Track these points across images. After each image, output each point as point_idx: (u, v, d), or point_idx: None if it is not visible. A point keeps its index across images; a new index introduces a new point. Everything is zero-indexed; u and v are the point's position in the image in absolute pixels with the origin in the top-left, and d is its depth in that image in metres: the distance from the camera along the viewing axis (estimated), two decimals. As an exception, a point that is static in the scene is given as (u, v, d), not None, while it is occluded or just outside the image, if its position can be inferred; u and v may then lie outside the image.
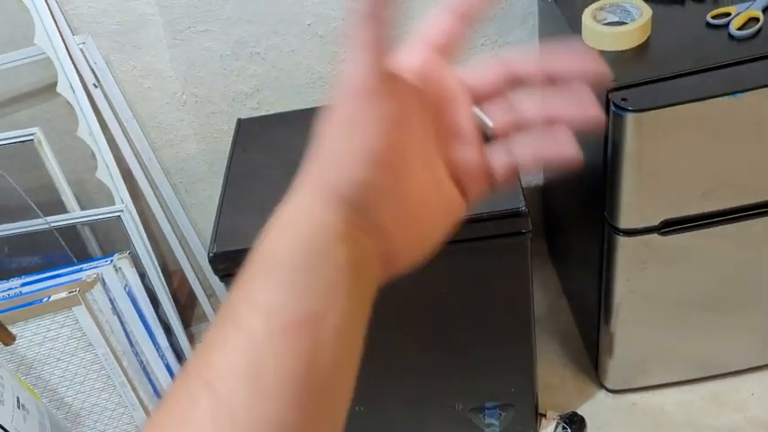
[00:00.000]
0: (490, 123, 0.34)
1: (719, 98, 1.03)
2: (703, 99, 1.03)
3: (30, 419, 1.13)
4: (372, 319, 1.28)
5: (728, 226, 1.23)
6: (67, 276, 1.53)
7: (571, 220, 1.62)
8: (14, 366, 1.52)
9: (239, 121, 1.40)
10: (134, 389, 1.63)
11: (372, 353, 1.37)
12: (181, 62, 1.53)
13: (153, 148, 1.66)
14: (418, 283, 1.18)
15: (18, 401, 1.13)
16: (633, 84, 1.08)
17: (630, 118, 1.06)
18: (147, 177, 1.66)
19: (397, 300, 1.21)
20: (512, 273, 1.16)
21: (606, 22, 1.18)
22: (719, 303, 1.42)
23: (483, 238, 1.09)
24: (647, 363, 1.56)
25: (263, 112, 1.63)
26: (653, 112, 1.05)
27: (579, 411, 1.60)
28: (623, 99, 1.06)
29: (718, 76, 1.07)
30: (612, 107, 1.07)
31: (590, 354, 1.69)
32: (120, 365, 1.59)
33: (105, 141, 1.48)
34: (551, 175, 1.76)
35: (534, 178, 1.88)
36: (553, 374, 1.71)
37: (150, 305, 1.64)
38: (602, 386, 1.65)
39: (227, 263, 1.12)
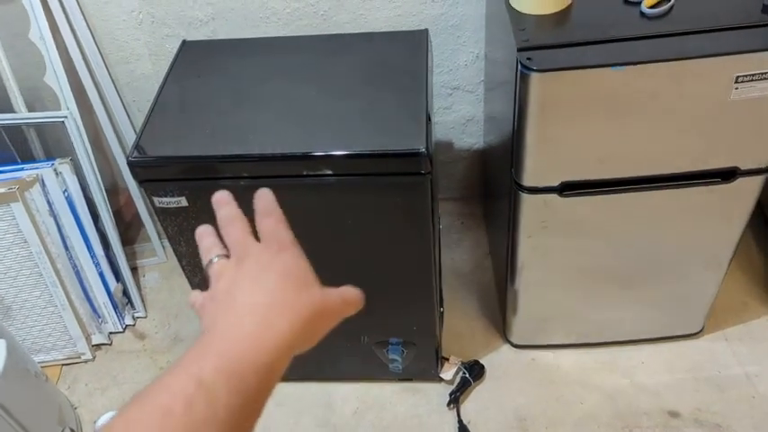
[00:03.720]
0: None
1: (608, 68, 1.10)
2: (599, 66, 1.10)
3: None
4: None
5: (624, 195, 1.31)
6: (9, 174, 1.60)
7: (495, 180, 1.70)
8: (-51, 253, 1.59)
9: (184, 42, 1.45)
10: (65, 290, 1.71)
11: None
12: (139, -19, 1.58)
13: (107, 64, 1.72)
14: (327, 213, 1.26)
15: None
16: (542, 46, 1.15)
17: (534, 77, 1.12)
18: (98, 92, 1.72)
19: (307, 227, 1.29)
20: (412, 211, 1.23)
21: (533, -13, 1.24)
22: (617, 275, 1.51)
23: (385, 174, 1.17)
24: (548, 322, 1.66)
25: (215, 41, 1.68)
26: (554, 73, 1.12)
27: (482, 361, 1.70)
28: (528, 58, 1.13)
29: (621, 48, 1.13)
30: (519, 65, 1.14)
31: (501, 310, 1.79)
32: (53, 266, 1.67)
33: (55, 47, 1.53)
34: (489, 140, 1.83)
35: (476, 142, 1.95)
36: (465, 326, 1.81)
37: (89, 214, 1.71)
38: (507, 340, 1.75)
39: (146, 169, 1.19)
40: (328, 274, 1.39)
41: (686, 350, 1.69)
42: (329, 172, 1.17)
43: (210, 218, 1.31)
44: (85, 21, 1.62)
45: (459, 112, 1.86)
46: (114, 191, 2.04)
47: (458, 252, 1.99)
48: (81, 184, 1.69)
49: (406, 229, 1.28)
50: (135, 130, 1.86)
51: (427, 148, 1.13)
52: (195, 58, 1.41)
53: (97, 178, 1.72)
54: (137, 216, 2.04)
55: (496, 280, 1.88)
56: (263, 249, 0.51)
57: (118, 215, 1.98)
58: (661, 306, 1.60)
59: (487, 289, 1.88)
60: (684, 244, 1.44)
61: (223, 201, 0.56)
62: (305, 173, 1.18)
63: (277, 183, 1.20)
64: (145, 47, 1.71)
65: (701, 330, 1.69)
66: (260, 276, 0.49)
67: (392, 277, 1.39)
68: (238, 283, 0.49)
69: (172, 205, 1.24)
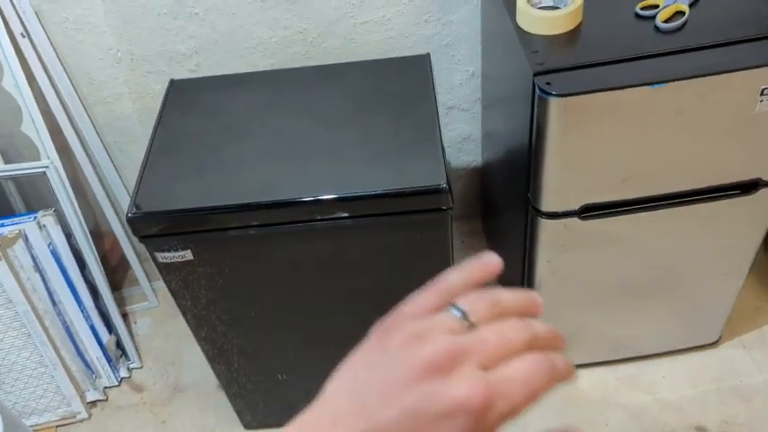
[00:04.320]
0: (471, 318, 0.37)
1: (641, 87, 1.05)
2: (625, 87, 1.06)
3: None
4: (297, 286, 1.28)
5: (645, 214, 1.27)
6: (-12, 231, 1.49)
7: (501, 200, 1.64)
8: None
9: (172, 82, 1.37)
10: (56, 348, 1.61)
11: (294, 322, 1.37)
12: (115, 17, 1.48)
13: (85, 106, 1.62)
14: (342, 256, 1.19)
15: None
16: (559, 69, 1.10)
17: (554, 102, 1.07)
18: (77, 134, 1.62)
19: (322, 270, 1.22)
20: (432, 249, 1.17)
21: (540, 6, 1.19)
22: (636, 289, 1.47)
23: (404, 213, 1.10)
24: (567, 343, 1.61)
25: (201, 75, 1.60)
26: (576, 97, 1.07)
27: (500, 388, 1.64)
28: (547, 83, 1.07)
29: (641, 66, 1.09)
30: (537, 90, 1.08)
31: (514, 333, 1.74)
32: (42, 324, 1.56)
33: (31, 94, 1.43)
34: (489, 158, 1.78)
35: (474, 159, 1.90)
36: (478, 351, 1.75)
37: (76, 265, 1.61)
38: (523, 364, 1.70)
39: (147, 224, 1.11)
40: (350, 314, 1.32)
41: (706, 360, 1.65)
42: (344, 215, 1.10)
43: (216, 269, 1.23)
44: (60, 62, 1.52)
45: (456, 132, 1.81)
46: (98, 234, 1.94)
47: (462, 274, 1.93)
48: (65, 234, 1.59)
49: (425, 266, 1.22)
50: (118, 172, 1.77)
51: (448, 183, 1.07)
52: (186, 99, 1.33)
53: (83, 227, 1.62)
54: (123, 259, 1.94)
55: (505, 301, 1.83)
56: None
57: (103, 260, 1.88)
58: (680, 317, 1.57)
59: (497, 311, 1.83)
60: (704, 256, 1.40)
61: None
62: (318, 217, 1.11)
63: (288, 229, 1.12)
64: (124, 85, 1.62)
65: (718, 339, 1.66)
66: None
67: (410, 315, 1.32)
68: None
69: (176, 260, 1.16)
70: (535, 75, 1.09)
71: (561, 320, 1.53)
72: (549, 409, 1.61)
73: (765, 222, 1.33)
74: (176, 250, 1.14)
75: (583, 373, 1.66)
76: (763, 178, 1.23)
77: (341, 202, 1.08)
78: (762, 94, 1.07)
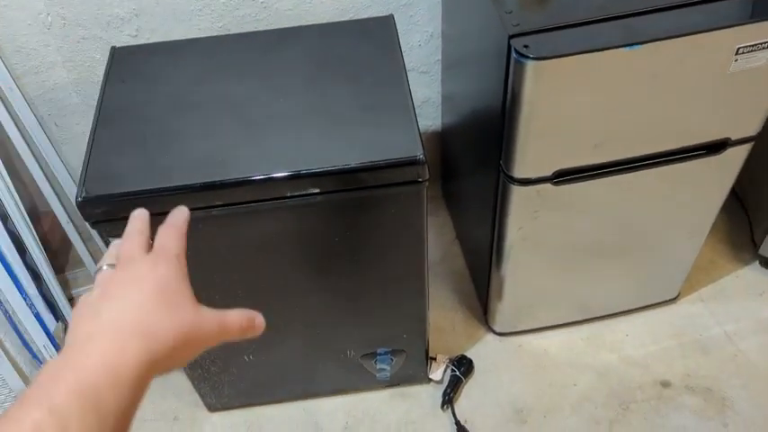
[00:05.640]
0: None
1: (619, 49, 1.02)
2: (604, 49, 1.02)
3: None
4: (263, 266, 1.20)
5: (617, 177, 1.25)
6: None
7: (467, 166, 1.61)
8: None
9: (113, 50, 1.25)
10: (-2, 341, 1.49)
11: (261, 301, 1.29)
12: (44, -23, 1.34)
13: (14, 76, 1.48)
14: (310, 231, 1.13)
15: None
16: (535, 30, 1.05)
17: (530, 66, 1.03)
18: (7, 108, 1.48)
19: (289, 248, 1.16)
20: (407, 221, 1.13)
21: (510, -37, 1.13)
22: (603, 250, 1.47)
23: (378, 186, 1.05)
24: (534, 306, 1.61)
25: (142, 41, 1.48)
26: (553, 60, 1.02)
27: (468, 354, 1.64)
28: (525, 46, 1.03)
29: (618, 27, 1.06)
30: (514, 54, 1.04)
31: (480, 298, 1.73)
32: (-19, 316, 1.44)
33: (-48, 65, 1.29)
34: (450, 121, 1.74)
35: (433, 123, 1.85)
36: (444, 318, 1.73)
37: (15, 251, 1.49)
38: (490, 329, 1.69)
39: (99, 208, 1.01)
40: (319, 292, 1.27)
41: (667, 316, 1.69)
42: (316, 190, 1.04)
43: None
44: (-18, 29, 1.38)
45: (415, 95, 1.75)
46: (35, 215, 1.80)
47: (423, 240, 1.90)
48: (1, 218, 1.46)
49: (399, 240, 1.17)
50: (54, 147, 1.63)
51: (424, 153, 1.02)
52: (131, 68, 1.22)
53: (20, 209, 1.49)
54: (65, 240, 1.82)
55: (469, 266, 1.81)
56: (144, 261, 0.53)
57: (43, 242, 1.75)
58: (643, 276, 1.59)
59: (461, 277, 1.81)
60: (670, 216, 1.41)
61: (135, 217, 0.60)
62: (288, 194, 1.04)
63: (254, 208, 1.05)
64: (57, 53, 1.48)
65: (677, 295, 1.70)
66: (129, 290, 0.50)
67: (382, 289, 1.28)
68: (108, 295, 0.50)
69: (133, 245, 1.07)
70: (511, 37, 1.04)
71: (529, 285, 1.53)
72: (518, 373, 1.62)
73: (730, 181, 1.34)
74: (133, 235, 1.05)
75: (549, 335, 1.67)
76: (732, 137, 1.23)
77: (312, 177, 1.01)
78: (737, 53, 1.06)
